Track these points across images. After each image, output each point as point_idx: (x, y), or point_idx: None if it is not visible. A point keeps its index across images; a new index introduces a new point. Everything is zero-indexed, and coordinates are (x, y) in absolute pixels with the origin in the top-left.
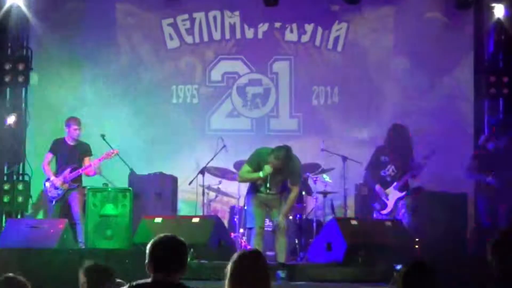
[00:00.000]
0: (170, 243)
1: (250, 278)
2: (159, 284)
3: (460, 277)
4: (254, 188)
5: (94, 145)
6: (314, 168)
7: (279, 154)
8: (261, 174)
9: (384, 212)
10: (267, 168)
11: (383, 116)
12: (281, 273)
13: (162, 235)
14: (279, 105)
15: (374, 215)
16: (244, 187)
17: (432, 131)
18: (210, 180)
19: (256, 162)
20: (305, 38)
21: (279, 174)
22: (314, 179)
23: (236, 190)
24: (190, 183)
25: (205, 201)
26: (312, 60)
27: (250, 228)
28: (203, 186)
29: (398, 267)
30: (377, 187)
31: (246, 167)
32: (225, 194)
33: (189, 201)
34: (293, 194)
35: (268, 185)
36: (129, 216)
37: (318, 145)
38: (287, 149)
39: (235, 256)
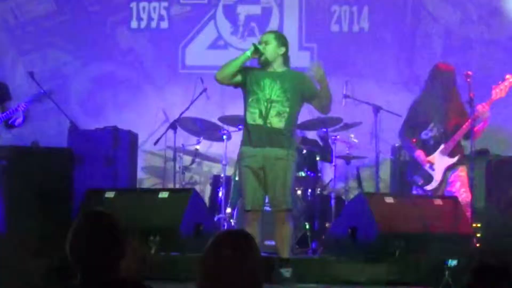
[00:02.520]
0: (90, 227)
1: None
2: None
3: None
4: (247, 140)
5: (18, 87)
6: (333, 122)
7: (272, 30)
8: (247, 52)
9: (429, 187)
10: (258, 46)
11: (433, 49)
12: (285, 272)
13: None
14: (284, 32)
15: (414, 192)
16: (234, 148)
17: (500, 70)
18: (185, 138)
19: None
20: None
21: (285, 78)
22: (334, 138)
23: (222, 152)
24: (156, 143)
25: (177, 168)
26: None
27: (247, 211)
28: (174, 147)
29: (451, 263)
30: (418, 153)
31: None
32: (206, 158)
33: (154, 167)
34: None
35: (262, 91)
36: (67, 188)
37: (339, 89)
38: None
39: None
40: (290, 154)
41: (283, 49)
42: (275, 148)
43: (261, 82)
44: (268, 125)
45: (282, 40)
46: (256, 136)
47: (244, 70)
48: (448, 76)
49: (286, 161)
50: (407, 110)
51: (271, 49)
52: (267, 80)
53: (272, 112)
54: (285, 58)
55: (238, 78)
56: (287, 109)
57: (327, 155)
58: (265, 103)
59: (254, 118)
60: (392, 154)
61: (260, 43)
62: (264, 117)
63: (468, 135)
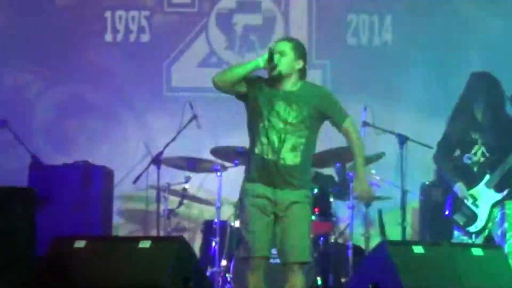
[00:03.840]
0: None
1: None
2: None
3: None
4: (254, 176)
5: None
6: (350, 155)
7: (290, 37)
8: (259, 59)
9: (473, 229)
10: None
11: (470, 65)
12: None
13: None
14: None
15: (455, 234)
16: (230, 188)
17: None
18: (171, 175)
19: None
20: None
21: (303, 100)
22: (351, 174)
23: (215, 193)
24: (135, 181)
25: (162, 212)
26: None
27: (244, 258)
28: (157, 186)
29: None
30: (458, 186)
31: None
32: (196, 199)
33: (133, 211)
34: (354, 136)
35: (275, 116)
36: (30, 234)
37: (357, 115)
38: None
39: None
40: (306, 195)
41: (300, 63)
42: (289, 190)
43: (274, 104)
44: (282, 161)
45: (300, 50)
46: (266, 173)
47: (251, 80)
48: (494, 86)
49: (302, 205)
50: (445, 128)
51: (287, 62)
52: (281, 103)
53: (287, 145)
54: (302, 72)
55: (241, 88)
56: (304, 140)
57: (344, 195)
58: (279, 134)
59: (265, 151)
60: (422, 193)
61: (273, 52)
62: (277, 151)
63: None
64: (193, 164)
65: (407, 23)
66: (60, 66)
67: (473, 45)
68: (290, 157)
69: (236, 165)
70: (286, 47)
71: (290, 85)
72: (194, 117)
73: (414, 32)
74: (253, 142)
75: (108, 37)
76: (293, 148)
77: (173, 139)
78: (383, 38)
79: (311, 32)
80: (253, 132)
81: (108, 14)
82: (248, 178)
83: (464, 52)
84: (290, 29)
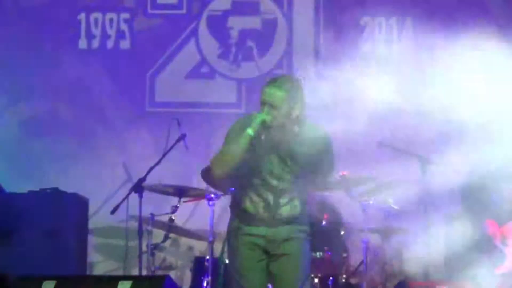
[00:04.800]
0: None
1: None
2: None
3: None
4: (238, 211)
5: None
6: (364, 181)
7: (281, 79)
8: (249, 130)
9: (500, 270)
10: (260, 115)
11: None
12: None
13: None
14: (293, 53)
15: (483, 273)
16: (224, 219)
17: None
18: (155, 204)
19: (235, 132)
20: None
21: (300, 151)
22: (365, 203)
23: (207, 222)
24: (113, 211)
25: (145, 246)
26: None
27: None
28: (139, 216)
29: None
30: (488, 223)
31: (221, 147)
32: (185, 232)
33: (112, 246)
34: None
35: (268, 174)
36: None
37: (372, 133)
38: (292, 77)
39: None
40: (304, 230)
41: (297, 111)
42: (282, 227)
43: (266, 160)
44: (278, 216)
45: (296, 94)
46: (257, 221)
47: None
48: None
49: (299, 241)
50: None
51: (280, 116)
52: (274, 158)
53: (283, 200)
54: (301, 116)
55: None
56: (301, 188)
57: (353, 228)
58: (273, 192)
59: (255, 208)
60: (448, 225)
61: (263, 102)
62: (273, 208)
63: None
64: (181, 192)
65: (432, 26)
66: (25, 78)
67: None
68: (286, 210)
69: (232, 192)
70: (277, 98)
71: (285, 135)
72: (182, 136)
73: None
74: (240, 197)
75: (82, 43)
76: (291, 201)
77: (158, 163)
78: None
79: (318, 37)
80: (242, 186)
81: (82, 16)
82: (235, 218)
83: None
84: (293, 34)
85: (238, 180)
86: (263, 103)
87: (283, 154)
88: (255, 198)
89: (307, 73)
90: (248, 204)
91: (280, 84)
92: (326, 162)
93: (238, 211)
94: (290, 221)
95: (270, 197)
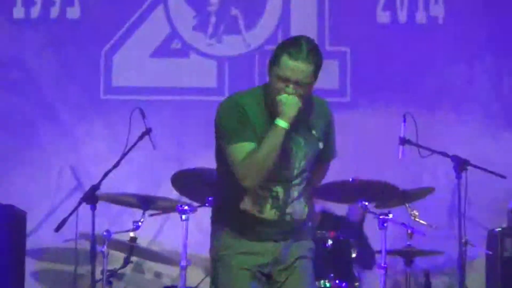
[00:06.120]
0: None
1: None
2: None
3: None
4: (233, 216)
5: None
6: (381, 191)
7: (306, 46)
8: (282, 123)
9: None
10: (292, 101)
11: None
12: None
13: None
14: (291, 24)
15: None
16: (201, 237)
17: None
18: (111, 219)
19: (242, 117)
20: None
21: (312, 133)
22: (382, 219)
23: (179, 242)
24: (58, 228)
25: (100, 273)
26: None
27: None
28: (92, 235)
29: None
30: None
31: (235, 145)
32: (151, 255)
33: (57, 272)
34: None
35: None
36: None
37: (393, 128)
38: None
39: None
40: (311, 247)
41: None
42: (293, 242)
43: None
44: (288, 217)
45: (321, 65)
46: (257, 232)
47: (250, 122)
48: None
49: (308, 260)
50: None
51: (305, 95)
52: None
53: (294, 192)
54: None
55: None
56: (307, 181)
57: (370, 252)
58: (285, 185)
59: (261, 209)
60: (490, 245)
61: (285, 79)
62: (282, 207)
63: None
64: (145, 203)
65: None
66: None
67: None
68: (299, 209)
69: (217, 198)
70: (306, 74)
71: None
72: (147, 131)
73: (478, 7)
74: (234, 195)
75: (18, 12)
76: (300, 198)
77: (116, 165)
78: (431, 13)
79: (324, 3)
80: (235, 186)
81: None
82: (226, 231)
83: None
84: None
85: (228, 178)
86: (286, 80)
87: (300, 138)
88: (260, 192)
89: None
90: (244, 204)
91: (308, 56)
92: (331, 146)
93: (231, 217)
94: (300, 228)
95: (281, 194)
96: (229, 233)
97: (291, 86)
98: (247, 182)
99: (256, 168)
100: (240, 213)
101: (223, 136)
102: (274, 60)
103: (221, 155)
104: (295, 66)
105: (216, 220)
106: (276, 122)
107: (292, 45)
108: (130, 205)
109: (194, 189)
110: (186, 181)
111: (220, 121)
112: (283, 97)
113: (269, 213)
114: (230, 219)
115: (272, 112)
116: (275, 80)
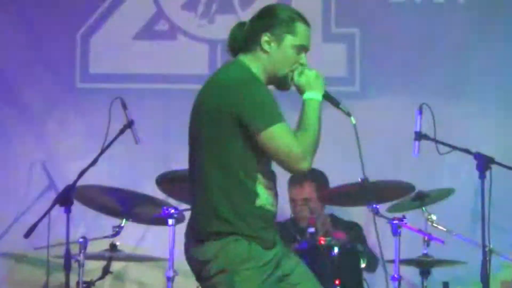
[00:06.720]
0: None
1: None
2: None
3: None
4: (249, 217)
5: None
6: (395, 192)
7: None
8: (318, 96)
9: None
10: (317, 73)
11: None
12: None
13: None
14: (292, 2)
15: None
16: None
17: None
18: (89, 223)
19: (271, 95)
20: None
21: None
22: (395, 224)
23: (165, 250)
24: (28, 234)
25: (76, 285)
26: None
27: None
28: (67, 241)
29: None
30: None
31: (280, 125)
32: (132, 263)
33: (28, 282)
34: None
35: None
36: None
37: (408, 120)
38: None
39: None
40: None
41: None
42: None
43: None
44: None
45: None
46: (273, 231)
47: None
48: None
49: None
50: None
51: None
52: None
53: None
54: None
55: None
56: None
57: (375, 259)
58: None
59: (271, 202)
60: None
61: (306, 49)
62: (276, 199)
63: None
64: (127, 206)
65: None
66: None
67: None
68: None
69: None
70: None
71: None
72: (129, 124)
73: None
74: (246, 191)
75: None
76: None
77: (94, 163)
78: None
79: None
80: (250, 175)
81: None
82: (258, 241)
83: None
84: None
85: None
86: (303, 49)
87: None
88: (268, 183)
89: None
90: (261, 200)
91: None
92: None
93: (248, 219)
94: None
95: (274, 179)
96: (255, 242)
97: (304, 56)
98: (305, 164)
99: (314, 147)
100: (258, 209)
101: (258, 117)
102: (288, 29)
103: (231, 144)
104: (308, 34)
105: (225, 230)
106: (311, 97)
107: (295, 10)
108: (109, 208)
109: (180, 190)
110: (173, 180)
111: (253, 100)
112: (305, 69)
113: (275, 211)
114: (246, 222)
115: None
116: (289, 51)
